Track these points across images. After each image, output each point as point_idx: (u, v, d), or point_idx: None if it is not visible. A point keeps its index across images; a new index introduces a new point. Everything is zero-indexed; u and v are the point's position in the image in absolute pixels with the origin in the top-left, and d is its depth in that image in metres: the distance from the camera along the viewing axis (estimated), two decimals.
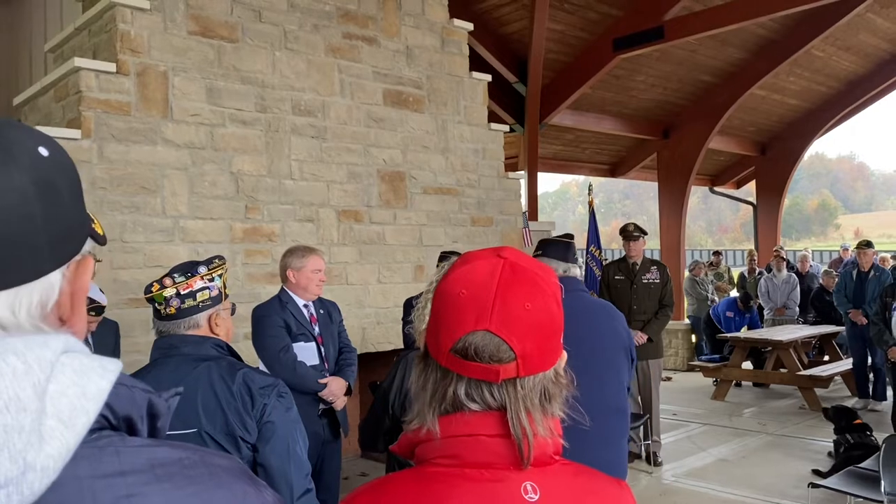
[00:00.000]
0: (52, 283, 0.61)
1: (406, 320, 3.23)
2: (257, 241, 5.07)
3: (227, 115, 4.92)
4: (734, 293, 11.72)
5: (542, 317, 0.93)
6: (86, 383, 0.57)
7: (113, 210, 4.31)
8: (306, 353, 3.69)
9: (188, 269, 2.04)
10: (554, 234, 6.95)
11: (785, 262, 10.71)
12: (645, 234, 6.24)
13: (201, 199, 4.77)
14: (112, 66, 4.38)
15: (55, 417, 0.54)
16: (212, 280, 2.04)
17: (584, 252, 8.54)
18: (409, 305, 4.02)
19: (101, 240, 0.73)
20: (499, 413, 0.91)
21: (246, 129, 5.01)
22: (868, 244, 8.25)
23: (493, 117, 7.12)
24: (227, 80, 4.92)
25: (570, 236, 3.15)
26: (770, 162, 14.75)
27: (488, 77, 6.65)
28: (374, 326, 5.75)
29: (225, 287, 2.12)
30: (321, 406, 3.71)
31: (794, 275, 10.65)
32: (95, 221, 0.75)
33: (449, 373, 0.92)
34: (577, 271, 2.94)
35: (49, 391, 0.54)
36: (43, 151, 0.63)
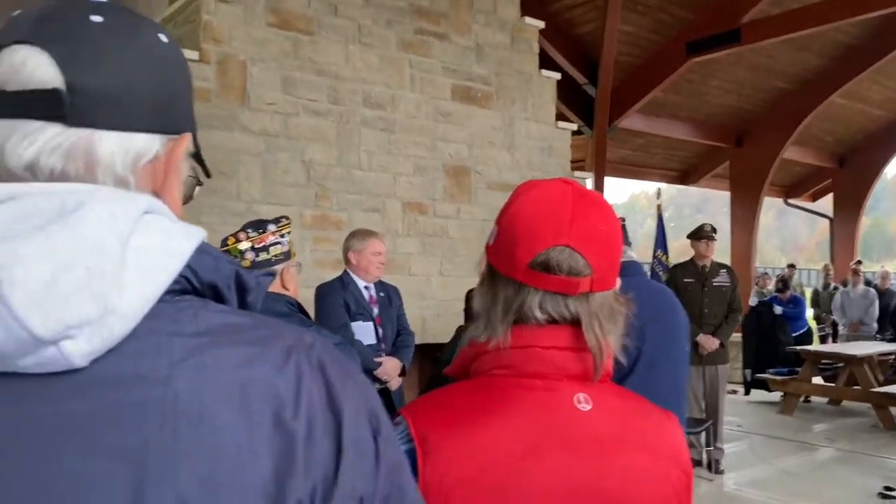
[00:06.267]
0: (152, 143, 0.63)
1: (469, 299, 3.28)
2: (325, 228, 5.20)
3: (301, 105, 5.08)
4: None
5: (612, 237, 0.98)
6: (168, 242, 0.58)
7: None
8: (364, 332, 3.80)
9: (259, 225, 2.14)
10: None
11: (862, 277, 10.29)
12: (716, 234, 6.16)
13: (274, 186, 4.93)
14: (195, 55, 4.59)
15: (136, 269, 0.55)
16: (282, 236, 2.13)
17: (651, 257, 8.43)
18: (469, 296, 4.08)
19: (201, 160, 0.73)
20: (568, 326, 0.95)
21: (318, 120, 5.16)
22: None
23: (561, 119, 7.12)
24: (302, 72, 5.08)
25: (622, 218, 3.19)
26: (849, 174, 14.22)
27: (558, 75, 6.66)
28: (435, 318, 5.81)
29: (292, 245, 2.21)
30: (377, 385, 3.79)
31: (872, 290, 10.21)
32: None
33: (523, 287, 0.95)
34: (632, 254, 2.99)
35: (131, 244, 0.55)
36: (163, 38, 0.67)
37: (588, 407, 0.93)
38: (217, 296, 0.63)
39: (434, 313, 5.79)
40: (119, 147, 0.61)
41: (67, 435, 0.51)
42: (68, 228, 0.52)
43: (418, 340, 4.55)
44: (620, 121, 9.78)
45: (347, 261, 3.92)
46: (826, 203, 16.06)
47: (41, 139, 0.58)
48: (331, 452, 0.58)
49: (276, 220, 2.17)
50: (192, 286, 0.60)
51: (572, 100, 9.25)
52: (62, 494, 0.50)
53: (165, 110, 0.65)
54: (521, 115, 6.31)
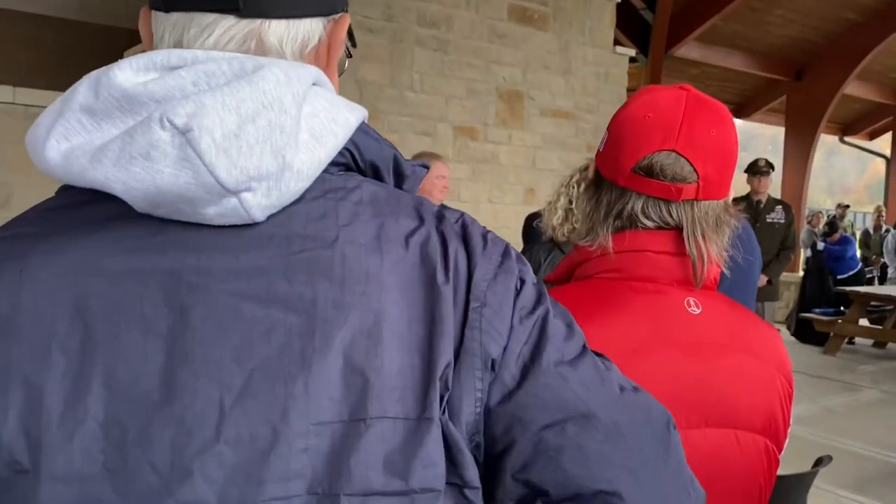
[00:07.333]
0: (316, 27, 0.65)
1: (534, 218, 3.23)
2: None
3: (354, 21, 4.94)
4: None
5: (725, 145, 0.94)
6: (336, 112, 0.60)
7: None
8: None
9: None
10: None
11: None
12: (773, 169, 5.97)
13: None
14: None
15: (308, 132, 0.57)
16: None
17: None
18: (530, 220, 4.02)
19: (352, 37, 0.74)
20: (673, 232, 0.94)
21: (372, 38, 5.06)
22: None
23: (616, 45, 6.88)
24: None
25: None
26: None
27: None
28: None
29: None
30: None
31: None
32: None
33: (627, 192, 0.95)
34: None
35: (303, 111, 0.57)
36: None
37: (698, 311, 0.93)
38: (377, 177, 0.65)
39: None
40: (287, 35, 0.63)
41: (245, 285, 0.55)
42: (251, 85, 0.54)
43: None
44: (676, 49, 9.43)
45: None
46: (883, 142, 15.52)
47: (217, 31, 0.61)
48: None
49: None
50: (355, 163, 0.63)
51: (628, 25, 8.90)
52: (242, 336, 0.54)
53: None
54: (577, 39, 6.12)
